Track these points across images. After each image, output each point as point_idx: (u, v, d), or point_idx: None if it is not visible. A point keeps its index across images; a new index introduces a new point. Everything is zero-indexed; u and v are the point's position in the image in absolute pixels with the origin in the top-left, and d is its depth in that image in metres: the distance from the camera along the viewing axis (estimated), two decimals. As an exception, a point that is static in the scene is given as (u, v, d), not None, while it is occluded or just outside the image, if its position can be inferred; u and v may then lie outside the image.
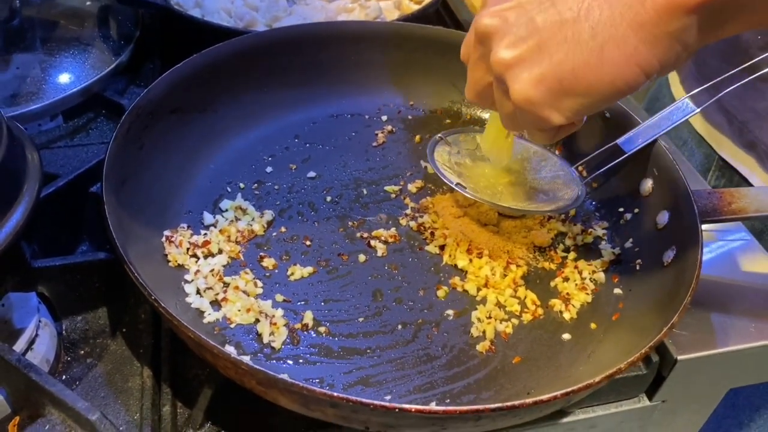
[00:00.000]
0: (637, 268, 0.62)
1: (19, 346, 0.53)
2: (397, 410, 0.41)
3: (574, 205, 0.65)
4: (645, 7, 0.41)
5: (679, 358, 0.58)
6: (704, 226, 0.58)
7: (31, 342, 0.55)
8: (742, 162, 0.84)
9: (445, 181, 0.64)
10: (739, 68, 0.61)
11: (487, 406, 0.41)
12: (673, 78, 0.95)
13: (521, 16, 0.45)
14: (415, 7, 0.91)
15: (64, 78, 0.80)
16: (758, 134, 0.81)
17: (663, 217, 0.62)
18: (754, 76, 0.61)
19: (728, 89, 0.61)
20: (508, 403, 0.42)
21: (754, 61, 0.61)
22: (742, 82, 0.61)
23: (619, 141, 0.66)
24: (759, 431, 0.77)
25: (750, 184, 0.83)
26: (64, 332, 0.58)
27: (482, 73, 0.50)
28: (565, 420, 0.60)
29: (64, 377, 0.55)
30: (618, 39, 0.41)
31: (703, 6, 0.39)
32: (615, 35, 0.41)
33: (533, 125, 0.49)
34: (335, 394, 0.41)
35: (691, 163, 0.88)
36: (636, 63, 0.42)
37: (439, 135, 0.69)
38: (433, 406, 0.41)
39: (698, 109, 0.62)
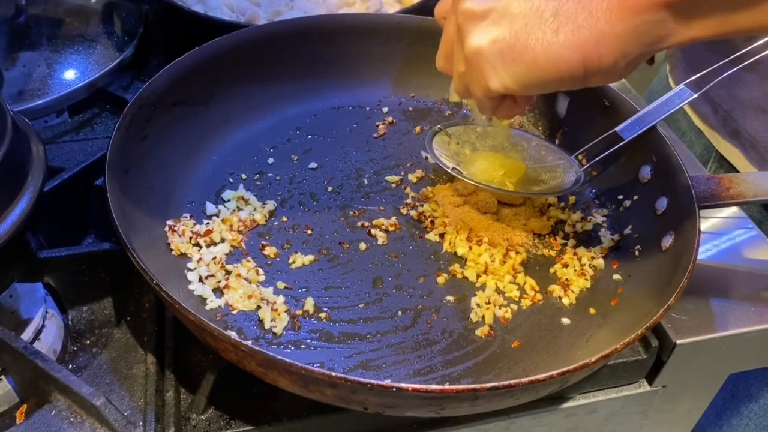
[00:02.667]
0: (636, 254, 0.62)
1: (26, 336, 0.54)
2: (394, 390, 0.41)
3: (573, 188, 0.65)
4: (602, 4, 0.43)
5: (678, 342, 0.59)
6: (704, 212, 0.58)
7: (38, 332, 0.56)
8: (730, 153, 0.84)
9: (442, 166, 0.65)
10: (727, 59, 0.62)
11: (484, 385, 0.42)
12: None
13: None
14: (416, 0, 0.91)
15: (69, 74, 0.81)
16: (741, 123, 0.81)
17: (662, 203, 0.62)
18: (739, 66, 0.61)
19: (716, 80, 0.61)
20: (504, 382, 0.42)
21: (741, 52, 0.62)
22: (728, 72, 0.61)
23: (617, 129, 0.66)
24: (758, 421, 0.77)
25: None
26: (70, 322, 0.59)
27: (452, 30, 0.52)
28: (565, 405, 0.61)
29: (70, 366, 0.56)
30: (573, 25, 0.44)
31: (647, 12, 0.42)
32: (572, 21, 0.44)
33: (477, 87, 0.51)
34: (333, 374, 0.42)
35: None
36: (581, 52, 0.45)
37: (439, 126, 0.70)
38: (430, 386, 0.41)
39: (695, 94, 0.62)
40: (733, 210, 0.72)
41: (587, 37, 0.44)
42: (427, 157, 0.73)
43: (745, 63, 0.62)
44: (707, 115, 0.86)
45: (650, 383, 0.62)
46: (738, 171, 0.84)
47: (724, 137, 0.84)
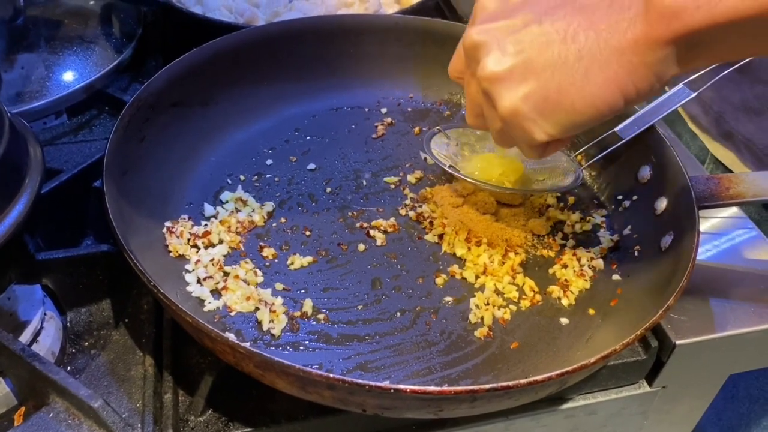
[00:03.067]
0: (636, 254, 0.62)
1: (25, 338, 0.54)
2: (392, 391, 0.41)
3: (571, 187, 0.65)
4: (626, 36, 0.43)
5: (678, 342, 0.59)
6: (703, 213, 0.58)
7: (37, 334, 0.55)
8: (723, 155, 0.84)
9: (439, 164, 0.65)
10: (728, 69, 0.62)
11: (482, 386, 0.42)
12: None
13: (509, 33, 0.47)
14: (415, 0, 0.91)
15: (67, 76, 0.81)
16: (734, 125, 0.81)
17: (661, 204, 0.62)
18: (732, 68, 0.61)
19: (713, 80, 0.61)
20: (503, 384, 0.42)
21: (743, 61, 0.62)
22: (725, 72, 0.61)
23: (617, 129, 0.66)
24: (759, 422, 0.77)
25: None
26: (68, 324, 0.59)
27: (474, 92, 0.51)
28: (565, 406, 0.61)
29: (68, 368, 0.56)
30: (601, 63, 0.44)
31: (677, 40, 0.42)
32: (599, 59, 0.44)
33: (521, 140, 0.51)
34: (331, 375, 0.42)
35: None
36: (616, 87, 0.44)
37: (438, 128, 0.70)
38: (428, 387, 0.41)
39: (694, 93, 0.62)
40: (732, 210, 0.71)
41: (618, 72, 0.44)
42: (425, 158, 0.73)
43: (738, 65, 0.61)
44: (698, 117, 0.86)
45: (650, 384, 0.62)
46: (731, 171, 0.84)
47: (717, 139, 0.84)
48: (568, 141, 0.55)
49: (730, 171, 0.84)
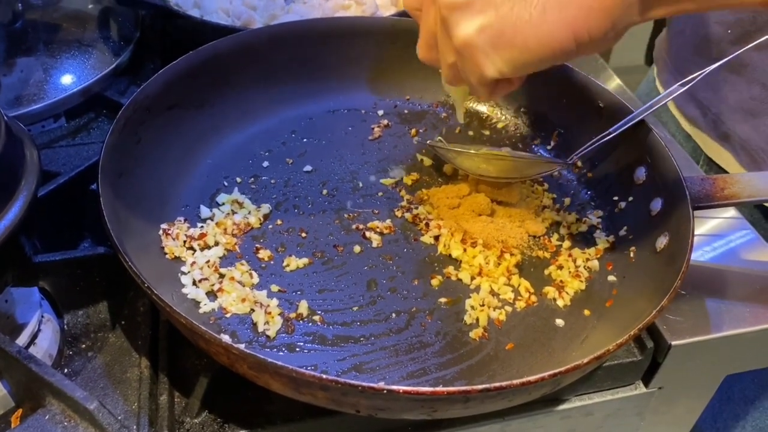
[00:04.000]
0: (631, 255, 0.62)
1: (22, 340, 0.54)
2: (385, 392, 0.41)
3: (559, 164, 0.68)
4: None
5: (673, 343, 0.59)
6: (700, 214, 0.58)
7: (34, 337, 0.56)
8: (720, 156, 0.84)
9: (427, 146, 0.68)
10: (715, 64, 0.62)
11: (475, 387, 0.42)
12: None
13: None
14: (411, 3, 0.91)
15: (66, 79, 0.81)
16: (731, 126, 0.81)
17: (656, 204, 0.62)
18: (720, 63, 0.61)
19: (698, 77, 0.62)
20: (495, 384, 0.42)
21: (728, 58, 0.62)
22: (712, 68, 0.61)
23: (611, 130, 0.66)
24: (755, 423, 0.77)
25: None
26: (66, 327, 0.59)
27: (432, 21, 0.51)
28: (561, 407, 0.61)
29: (65, 371, 0.56)
30: (560, 4, 0.44)
31: None
32: (558, 0, 0.44)
33: (471, 75, 0.51)
34: (324, 376, 0.42)
35: None
36: (571, 29, 0.45)
37: (439, 138, 0.72)
38: (420, 388, 0.41)
39: (682, 89, 0.62)
40: (729, 212, 0.71)
41: (575, 14, 0.44)
42: (422, 160, 0.73)
43: (726, 60, 0.61)
44: (696, 119, 0.86)
45: (646, 385, 0.62)
46: (726, 172, 0.84)
47: (714, 140, 0.84)
48: (518, 84, 0.55)
49: (725, 172, 0.84)
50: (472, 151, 0.67)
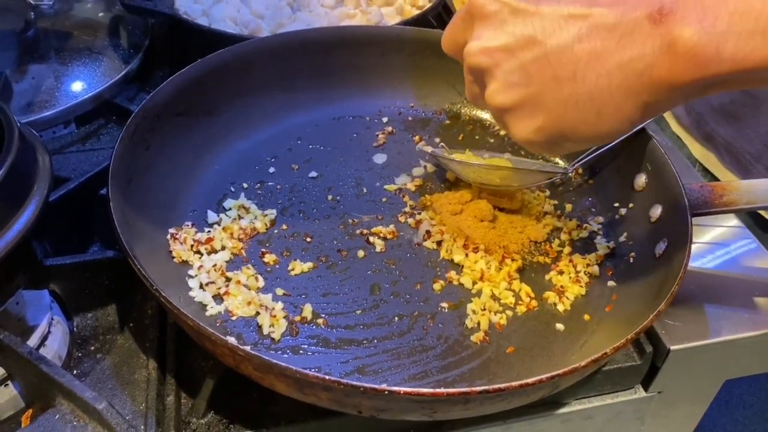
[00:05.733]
0: (631, 260, 0.63)
1: (33, 342, 0.55)
2: (386, 393, 0.42)
3: (560, 172, 0.69)
4: (642, 80, 0.42)
5: (672, 348, 0.59)
6: (701, 221, 0.59)
7: (44, 338, 0.57)
8: (705, 158, 0.85)
9: (426, 155, 0.69)
10: None
11: (474, 388, 0.43)
12: None
13: (512, 61, 0.45)
14: (416, 12, 0.93)
15: (76, 86, 0.83)
16: (714, 127, 0.81)
17: (656, 211, 0.63)
18: None
19: None
20: (494, 386, 0.43)
21: None
22: None
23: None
24: (753, 428, 0.78)
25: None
26: (75, 329, 0.60)
27: (477, 89, 0.51)
28: (561, 411, 0.61)
29: (75, 372, 0.57)
30: (614, 105, 0.43)
31: (697, 83, 0.40)
32: (611, 101, 0.43)
33: (535, 152, 0.54)
34: (327, 377, 0.43)
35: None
36: (629, 122, 0.44)
37: (442, 145, 0.74)
38: (421, 389, 0.42)
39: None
40: (729, 219, 0.72)
41: (633, 111, 0.43)
42: (426, 166, 0.74)
43: None
44: (681, 117, 0.86)
45: (646, 389, 0.63)
46: (714, 175, 0.85)
47: (699, 140, 0.84)
48: None
49: (713, 174, 0.85)
50: (473, 162, 0.68)
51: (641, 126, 0.64)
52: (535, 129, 0.47)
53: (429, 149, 0.72)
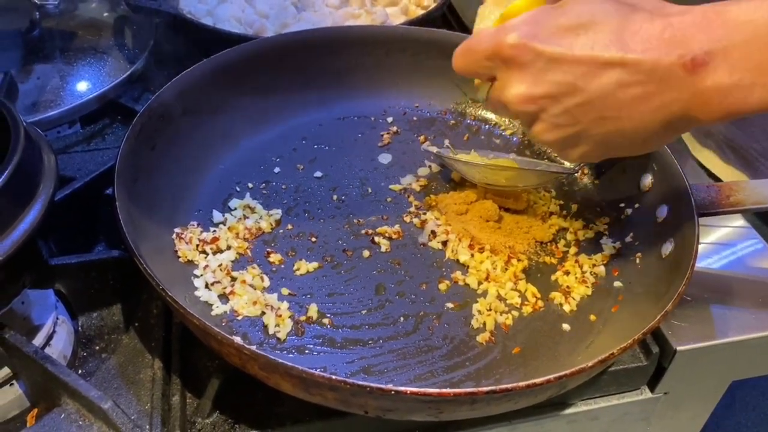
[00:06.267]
0: (637, 261, 0.63)
1: (38, 341, 0.56)
2: (393, 392, 0.42)
3: (566, 172, 0.69)
4: (680, 119, 0.46)
5: (679, 348, 0.59)
6: (707, 221, 0.59)
7: (49, 338, 0.57)
8: (707, 158, 0.85)
9: (431, 156, 0.70)
10: None
11: (481, 389, 0.43)
12: None
13: (556, 106, 0.48)
14: (421, 12, 0.92)
15: (81, 86, 0.83)
16: (713, 125, 0.82)
17: (662, 211, 0.63)
18: None
19: None
20: (501, 386, 0.43)
21: None
22: None
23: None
24: (756, 430, 0.78)
25: (718, 179, 0.85)
26: (80, 328, 0.60)
27: (524, 124, 0.53)
28: (567, 411, 0.61)
29: (80, 371, 0.57)
30: (657, 136, 0.48)
31: (723, 119, 0.45)
32: (654, 134, 0.48)
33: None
34: (333, 377, 0.43)
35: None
36: (664, 143, 0.53)
37: (447, 145, 0.74)
38: (427, 389, 0.42)
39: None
40: (736, 220, 0.72)
41: (671, 137, 0.49)
42: (431, 166, 0.74)
43: None
44: None
45: (652, 390, 0.63)
46: (714, 175, 0.85)
47: (697, 138, 0.84)
48: None
49: (710, 172, 0.85)
50: (479, 163, 0.68)
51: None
52: (581, 155, 0.51)
53: (434, 149, 0.72)
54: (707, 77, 0.43)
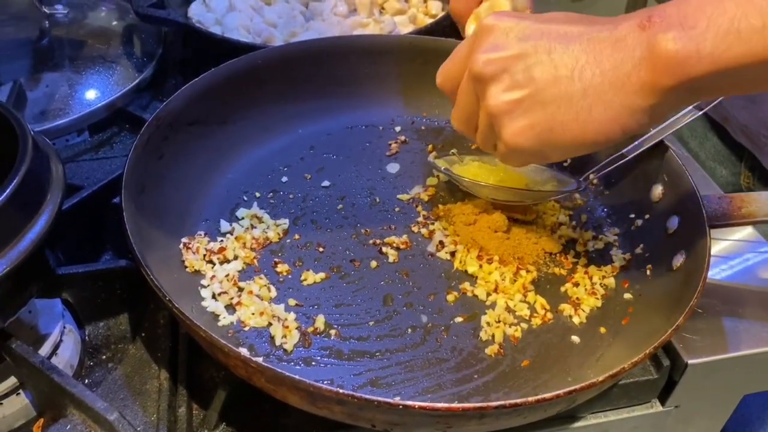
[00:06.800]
0: (648, 273, 0.62)
1: (45, 351, 0.55)
2: (400, 407, 0.42)
3: (572, 191, 0.68)
4: (630, 80, 0.44)
5: (690, 362, 0.58)
6: (718, 233, 0.58)
7: (56, 347, 0.57)
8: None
9: (435, 168, 0.69)
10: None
11: (490, 403, 0.42)
12: None
13: (519, 64, 0.48)
14: (429, 21, 0.92)
15: (90, 94, 0.83)
16: (730, 110, 0.83)
17: (673, 222, 0.62)
18: None
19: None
20: (511, 401, 0.42)
21: None
22: None
23: (624, 150, 0.66)
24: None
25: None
26: (87, 338, 0.60)
27: (472, 106, 0.53)
28: (577, 425, 0.61)
29: (86, 381, 0.57)
30: (605, 103, 0.46)
31: (680, 86, 0.43)
32: (603, 99, 0.46)
33: (516, 162, 0.55)
34: (340, 390, 0.42)
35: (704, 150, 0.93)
36: (617, 124, 0.46)
37: (453, 151, 0.73)
38: (436, 404, 0.42)
39: (699, 112, 0.62)
40: (748, 231, 0.71)
41: (620, 111, 0.46)
42: (439, 176, 0.74)
43: None
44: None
45: (663, 403, 0.62)
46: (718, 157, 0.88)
47: (717, 119, 0.85)
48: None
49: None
50: (483, 184, 0.67)
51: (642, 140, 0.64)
52: (528, 126, 0.49)
53: (441, 162, 0.71)
54: (658, 31, 0.43)
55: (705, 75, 0.42)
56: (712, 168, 0.97)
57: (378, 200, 0.71)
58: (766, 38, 0.40)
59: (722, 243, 0.70)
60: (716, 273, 0.66)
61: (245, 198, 0.69)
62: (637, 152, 0.65)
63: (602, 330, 0.59)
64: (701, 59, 0.41)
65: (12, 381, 0.54)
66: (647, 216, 0.66)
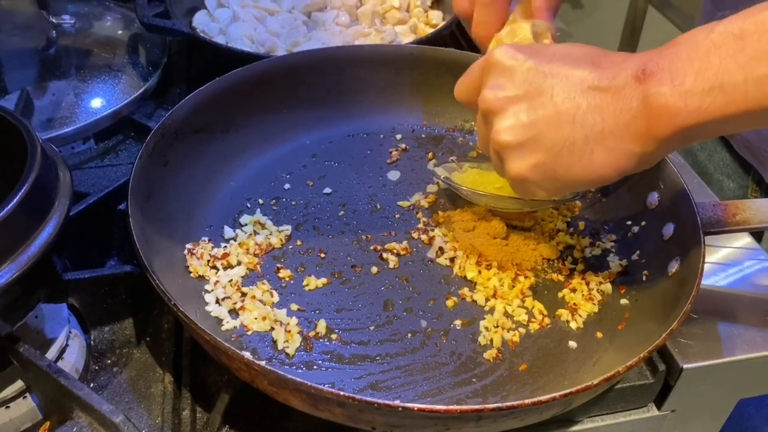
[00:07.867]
0: (644, 279, 0.63)
1: (51, 355, 0.56)
2: (400, 409, 0.43)
3: (570, 199, 0.69)
4: (629, 130, 0.47)
5: (685, 366, 0.59)
6: (714, 240, 0.59)
7: (62, 351, 0.58)
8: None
9: (435, 176, 0.71)
10: None
11: (487, 405, 0.43)
12: None
13: (522, 105, 0.51)
14: (430, 31, 0.94)
15: (96, 102, 0.84)
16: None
17: (668, 229, 0.63)
18: None
19: None
20: (507, 403, 0.43)
21: None
22: None
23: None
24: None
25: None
26: (92, 342, 0.61)
27: (487, 132, 0.56)
28: (573, 429, 0.61)
29: (91, 385, 0.58)
30: (606, 148, 0.49)
31: (674, 135, 0.46)
32: (604, 145, 0.49)
33: (520, 193, 0.57)
34: (341, 393, 0.43)
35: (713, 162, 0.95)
36: (615, 167, 0.50)
37: (452, 158, 0.74)
38: (435, 406, 0.43)
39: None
40: (743, 238, 0.72)
41: (620, 157, 0.49)
42: (438, 183, 0.75)
43: None
44: None
45: (659, 407, 0.63)
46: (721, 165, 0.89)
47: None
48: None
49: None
50: (482, 193, 0.68)
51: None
52: (531, 165, 0.52)
53: (441, 172, 0.72)
54: (652, 86, 0.45)
55: (694, 126, 0.44)
56: (720, 181, 0.98)
57: (379, 207, 0.72)
58: (747, 92, 0.42)
59: (721, 251, 0.70)
60: (712, 279, 0.67)
61: (248, 205, 0.70)
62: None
63: (599, 335, 0.60)
64: (690, 113, 0.44)
65: (19, 384, 0.55)
66: (643, 223, 0.67)
